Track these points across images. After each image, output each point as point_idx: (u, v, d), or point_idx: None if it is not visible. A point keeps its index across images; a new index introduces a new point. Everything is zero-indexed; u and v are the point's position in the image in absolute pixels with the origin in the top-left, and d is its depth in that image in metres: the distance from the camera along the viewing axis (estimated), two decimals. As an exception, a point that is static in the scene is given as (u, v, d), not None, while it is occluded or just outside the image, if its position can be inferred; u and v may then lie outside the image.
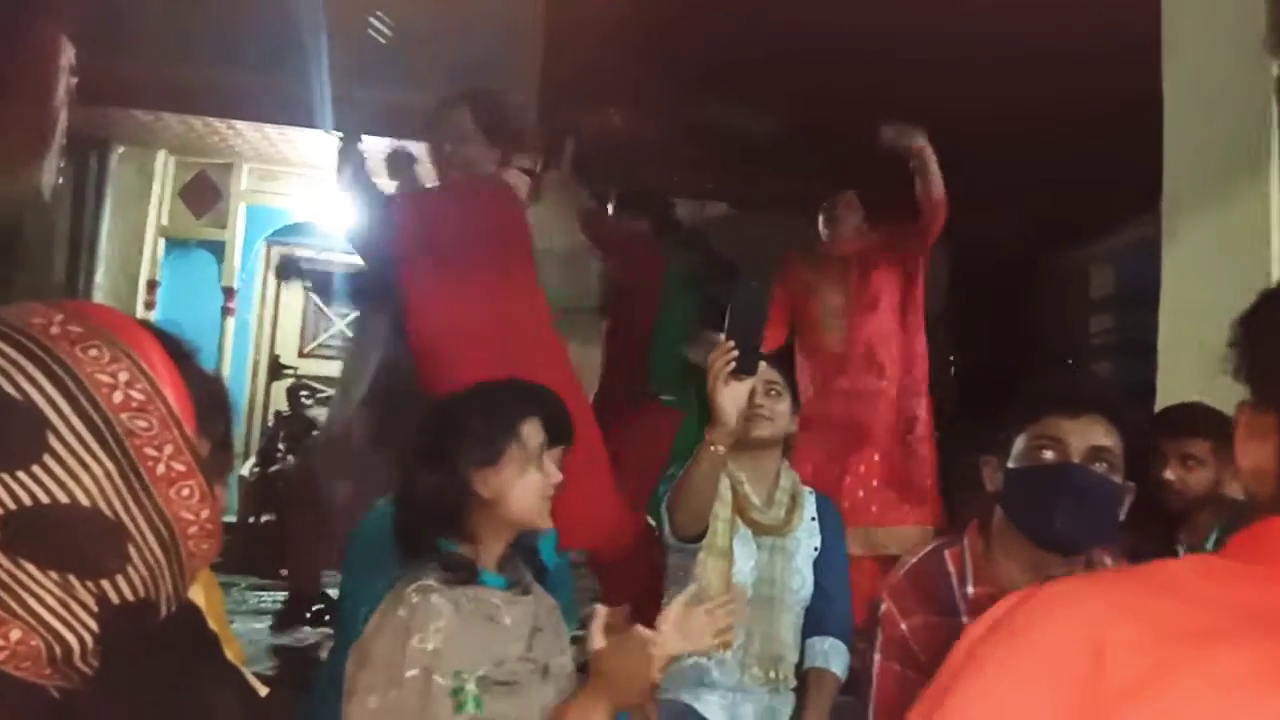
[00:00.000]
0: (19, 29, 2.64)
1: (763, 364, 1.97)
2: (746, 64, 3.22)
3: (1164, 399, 2.32)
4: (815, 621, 1.96)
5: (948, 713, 0.52)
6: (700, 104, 3.67)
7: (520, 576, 1.40)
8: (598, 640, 1.30)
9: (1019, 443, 1.38)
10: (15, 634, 0.61)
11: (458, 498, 1.33)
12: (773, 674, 1.86)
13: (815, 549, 2.00)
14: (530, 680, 1.29)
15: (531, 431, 1.37)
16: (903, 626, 1.42)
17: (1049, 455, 1.34)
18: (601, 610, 1.33)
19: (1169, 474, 1.97)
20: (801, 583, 1.93)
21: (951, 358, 3.22)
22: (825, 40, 3.01)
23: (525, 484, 1.35)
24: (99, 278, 5.06)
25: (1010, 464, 1.39)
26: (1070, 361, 4.62)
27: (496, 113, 2.50)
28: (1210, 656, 0.47)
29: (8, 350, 0.62)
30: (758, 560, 1.91)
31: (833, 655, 1.92)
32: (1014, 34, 2.86)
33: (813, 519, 2.01)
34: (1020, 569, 1.38)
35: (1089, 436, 1.34)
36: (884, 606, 1.45)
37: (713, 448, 1.65)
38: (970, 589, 1.42)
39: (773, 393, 1.97)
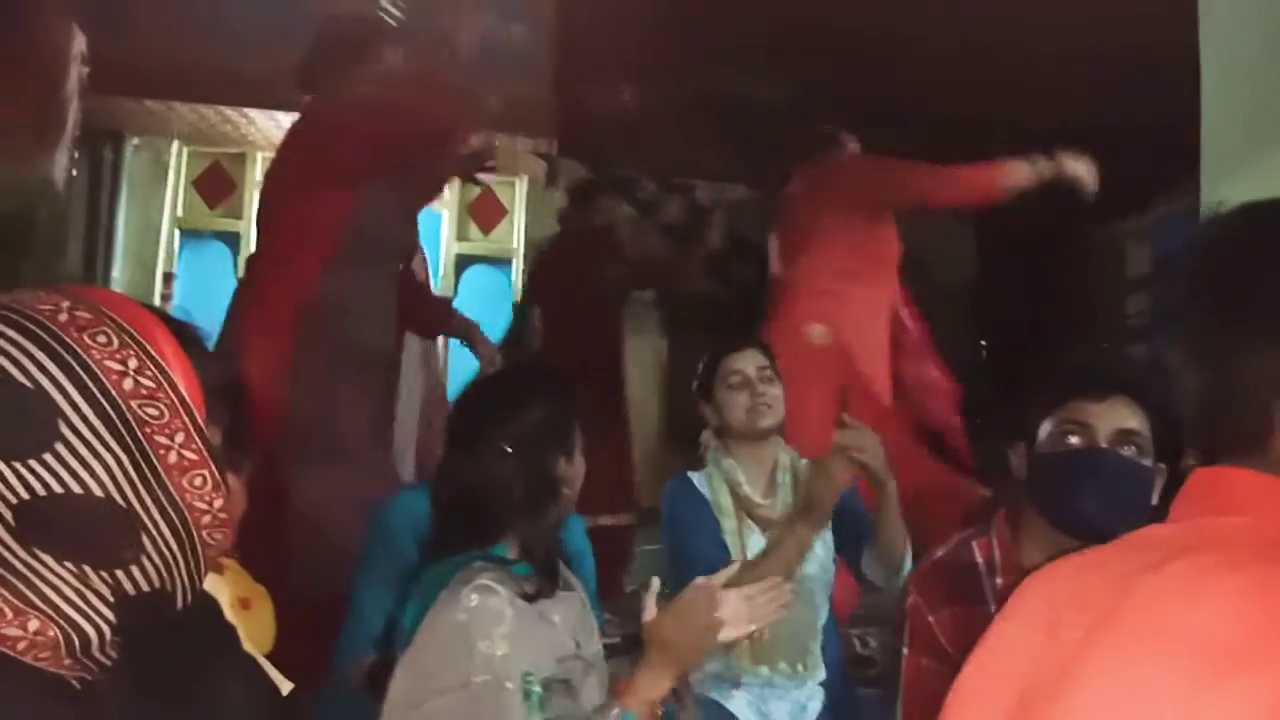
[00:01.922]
0: (28, 16, 2.64)
1: (752, 350, 1.98)
2: (766, 38, 3.18)
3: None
4: (852, 539, 1.90)
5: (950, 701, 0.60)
6: (717, 79, 3.64)
7: (562, 570, 1.37)
8: (651, 611, 1.27)
9: (1044, 428, 1.35)
10: (34, 624, 0.61)
11: (549, 490, 1.31)
12: (800, 666, 1.84)
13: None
14: (579, 678, 1.26)
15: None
16: (930, 619, 1.40)
17: (1075, 440, 1.32)
18: (657, 582, 1.31)
19: None
20: (817, 564, 1.89)
21: (983, 341, 3.17)
22: (848, 13, 2.97)
23: (579, 474, 1.37)
24: (115, 270, 5.09)
25: (1038, 450, 1.36)
26: (1105, 344, 4.56)
27: None
28: (1161, 570, 0.52)
29: (17, 337, 0.61)
30: None
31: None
32: (1047, 4, 2.81)
33: None
34: (1047, 557, 1.34)
35: (1115, 419, 1.31)
36: (911, 599, 1.43)
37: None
38: (999, 579, 1.39)
39: (766, 378, 1.95)
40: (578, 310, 3.53)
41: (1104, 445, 1.30)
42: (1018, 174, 2.77)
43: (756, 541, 1.87)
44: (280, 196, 2.45)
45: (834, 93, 3.20)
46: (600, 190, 3.76)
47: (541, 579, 1.26)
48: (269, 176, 2.60)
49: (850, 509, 1.98)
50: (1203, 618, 0.49)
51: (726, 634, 1.26)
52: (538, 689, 1.18)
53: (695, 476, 1.97)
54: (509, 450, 1.30)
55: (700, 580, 1.27)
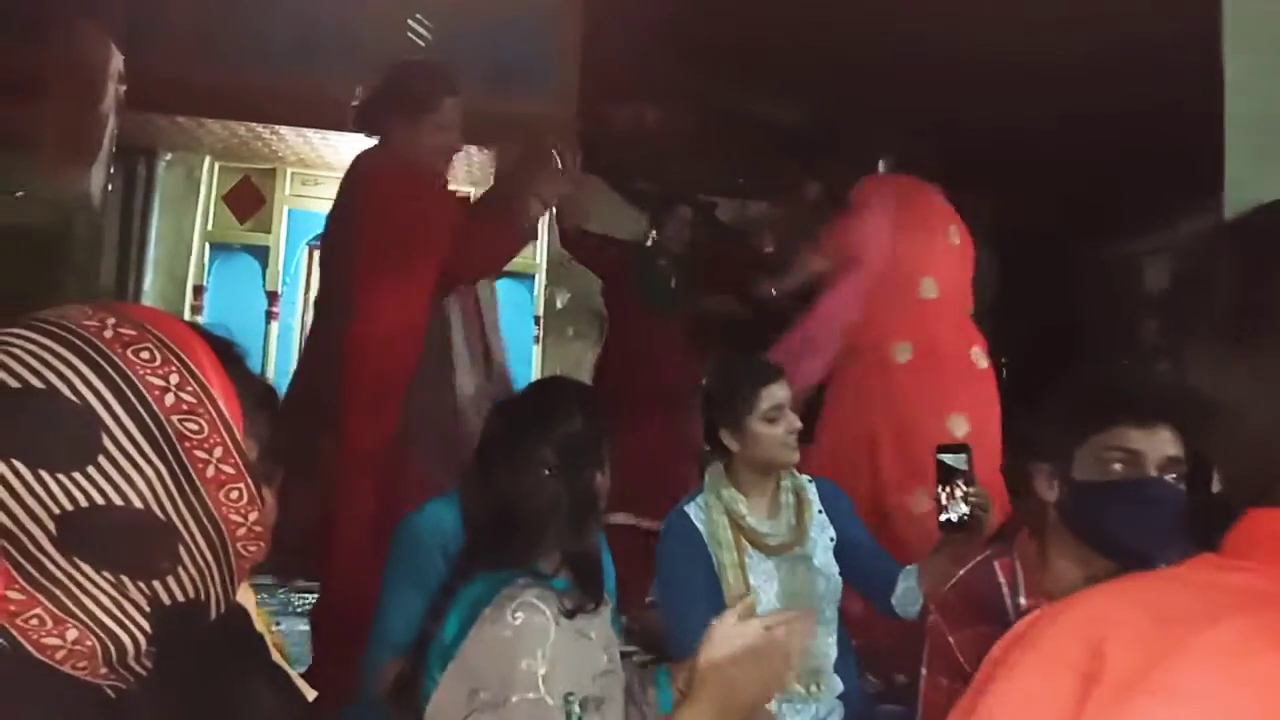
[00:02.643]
0: (68, 36, 2.70)
1: (784, 378, 1.89)
2: (786, 56, 3.19)
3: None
4: (880, 575, 1.87)
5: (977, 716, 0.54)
6: (740, 99, 3.65)
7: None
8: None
9: (1084, 452, 1.31)
10: (72, 634, 0.62)
11: (591, 505, 1.33)
12: (813, 688, 1.81)
13: (831, 539, 1.93)
14: (614, 693, 1.26)
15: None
16: (950, 639, 1.38)
17: (1119, 467, 1.28)
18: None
19: None
20: (826, 583, 1.87)
21: (1003, 359, 3.13)
22: (865, 30, 2.97)
23: (608, 487, 1.38)
24: (147, 283, 5.16)
25: (1077, 476, 1.32)
26: (1125, 362, 4.49)
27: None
28: (1206, 634, 0.47)
29: (62, 352, 0.62)
30: (780, 581, 1.83)
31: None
32: (1065, 13, 2.79)
33: (820, 511, 1.94)
34: (1081, 581, 1.32)
35: (1163, 447, 1.28)
36: (931, 618, 1.41)
37: None
38: (1023, 600, 1.37)
39: (790, 413, 1.89)
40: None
41: (1154, 474, 1.27)
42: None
43: (763, 573, 1.82)
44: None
45: (857, 111, 3.21)
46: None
47: (584, 594, 1.26)
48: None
49: (867, 546, 1.97)
50: (1246, 696, 0.45)
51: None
52: (578, 710, 1.18)
53: (691, 510, 1.88)
54: (553, 467, 1.30)
55: (769, 619, 1.16)
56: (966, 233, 2.96)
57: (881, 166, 3.05)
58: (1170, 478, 1.28)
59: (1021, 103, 2.75)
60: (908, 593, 1.90)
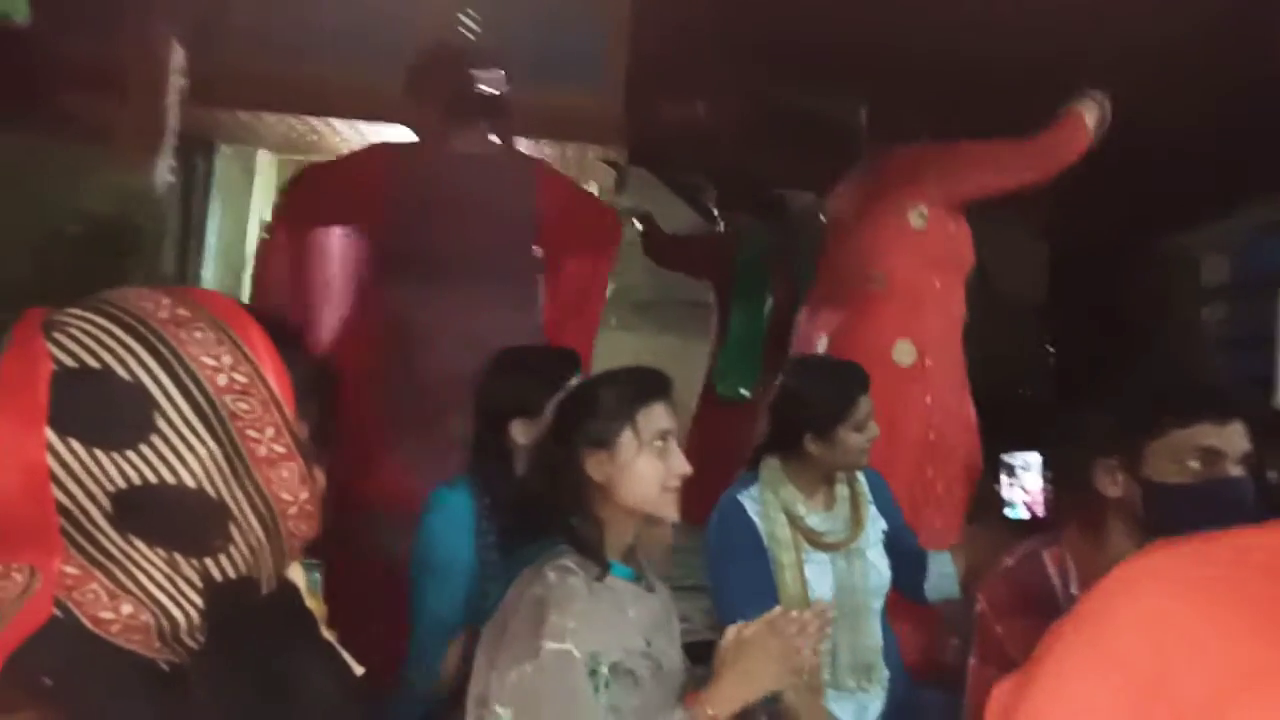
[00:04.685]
0: (134, 32, 2.78)
1: (868, 393, 1.84)
2: (833, 50, 3.15)
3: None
4: (914, 560, 1.91)
5: (1025, 707, 0.49)
6: (790, 90, 3.61)
7: (643, 570, 1.37)
8: (732, 634, 1.28)
9: (1159, 450, 1.29)
10: (127, 609, 0.64)
11: (572, 480, 1.30)
12: (865, 683, 1.79)
13: (884, 532, 1.91)
14: (646, 675, 1.26)
15: (651, 417, 1.31)
16: (998, 629, 1.37)
17: (1198, 466, 1.26)
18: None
19: None
20: (879, 576, 1.86)
21: (1050, 349, 3.06)
22: (914, 19, 2.92)
23: (639, 472, 1.29)
24: (206, 272, 5.29)
25: (1154, 475, 1.29)
26: (1186, 356, 4.37)
27: None
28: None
29: (118, 333, 0.64)
30: (835, 575, 1.81)
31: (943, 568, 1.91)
32: (1122, 9, 2.71)
33: (870, 503, 1.92)
34: None
35: (1240, 444, 1.27)
36: (979, 607, 1.40)
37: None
38: (1075, 590, 1.36)
39: (873, 420, 1.85)
40: None
41: (1235, 471, 1.26)
42: (1090, 115, 2.51)
43: (818, 567, 1.80)
44: None
45: (901, 105, 3.15)
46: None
47: (594, 554, 1.29)
48: None
49: (905, 533, 1.97)
50: None
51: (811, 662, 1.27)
52: (604, 670, 1.20)
53: (746, 501, 1.84)
54: (542, 439, 1.33)
55: (792, 614, 1.27)
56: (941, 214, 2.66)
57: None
58: (1244, 472, 1.26)
59: (1068, 91, 2.68)
60: (943, 579, 1.91)
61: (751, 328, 3.69)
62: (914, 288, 2.51)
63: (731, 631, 1.29)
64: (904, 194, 2.54)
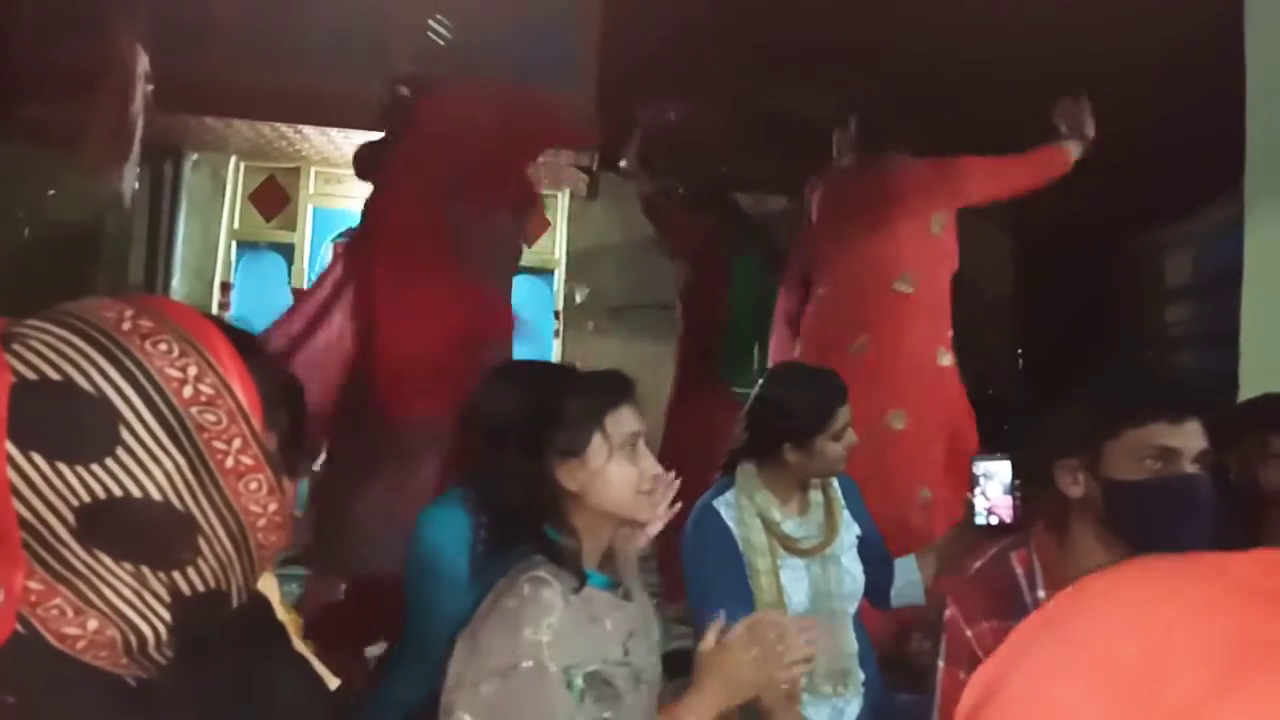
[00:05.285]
0: (99, 37, 2.75)
1: (847, 403, 1.85)
2: (809, 49, 3.17)
3: (1247, 390, 2.22)
4: (884, 567, 1.94)
5: (994, 705, 0.48)
6: (762, 92, 3.63)
7: (622, 578, 1.36)
8: (711, 640, 1.27)
9: (1115, 449, 1.30)
10: (93, 624, 0.63)
11: (544, 490, 1.28)
12: (840, 688, 1.80)
13: (857, 537, 1.92)
14: (625, 686, 1.25)
15: (619, 421, 1.29)
16: (968, 633, 1.37)
17: (1155, 464, 1.27)
18: (723, 614, 1.31)
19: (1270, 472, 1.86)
20: (852, 581, 1.87)
21: (1019, 350, 3.10)
22: (892, 18, 2.94)
23: (612, 477, 1.28)
24: (175, 281, 5.24)
25: (1112, 474, 1.30)
26: (1149, 354, 4.43)
27: None
28: None
29: (80, 344, 0.63)
30: (809, 581, 1.82)
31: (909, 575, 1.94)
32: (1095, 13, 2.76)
33: (844, 508, 1.93)
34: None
35: (1196, 442, 1.27)
36: (949, 612, 1.40)
37: None
38: (1041, 593, 1.36)
39: (851, 429, 1.86)
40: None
41: (1191, 471, 1.26)
42: (1074, 150, 2.71)
43: (793, 573, 1.80)
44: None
45: (879, 107, 3.18)
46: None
47: (572, 565, 1.27)
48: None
49: (876, 539, 1.99)
50: None
51: (791, 673, 1.28)
52: (580, 682, 1.19)
53: (721, 507, 1.84)
54: (507, 449, 1.32)
55: (773, 615, 1.28)
56: (952, 223, 2.83)
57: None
58: (1203, 470, 1.27)
59: (1045, 95, 2.72)
60: (909, 585, 1.94)
61: (747, 327, 3.73)
62: (937, 291, 2.64)
63: (711, 637, 1.29)
64: (923, 202, 2.65)
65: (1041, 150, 2.69)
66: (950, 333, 2.67)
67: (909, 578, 1.95)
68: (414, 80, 2.59)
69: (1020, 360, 3.02)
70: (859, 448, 1.87)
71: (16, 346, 0.62)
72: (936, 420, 2.36)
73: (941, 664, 1.39)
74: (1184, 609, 0.45)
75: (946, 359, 2.57)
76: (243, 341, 0.69)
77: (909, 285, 2.61)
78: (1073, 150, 2.70)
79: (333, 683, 0.85)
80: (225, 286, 5.41)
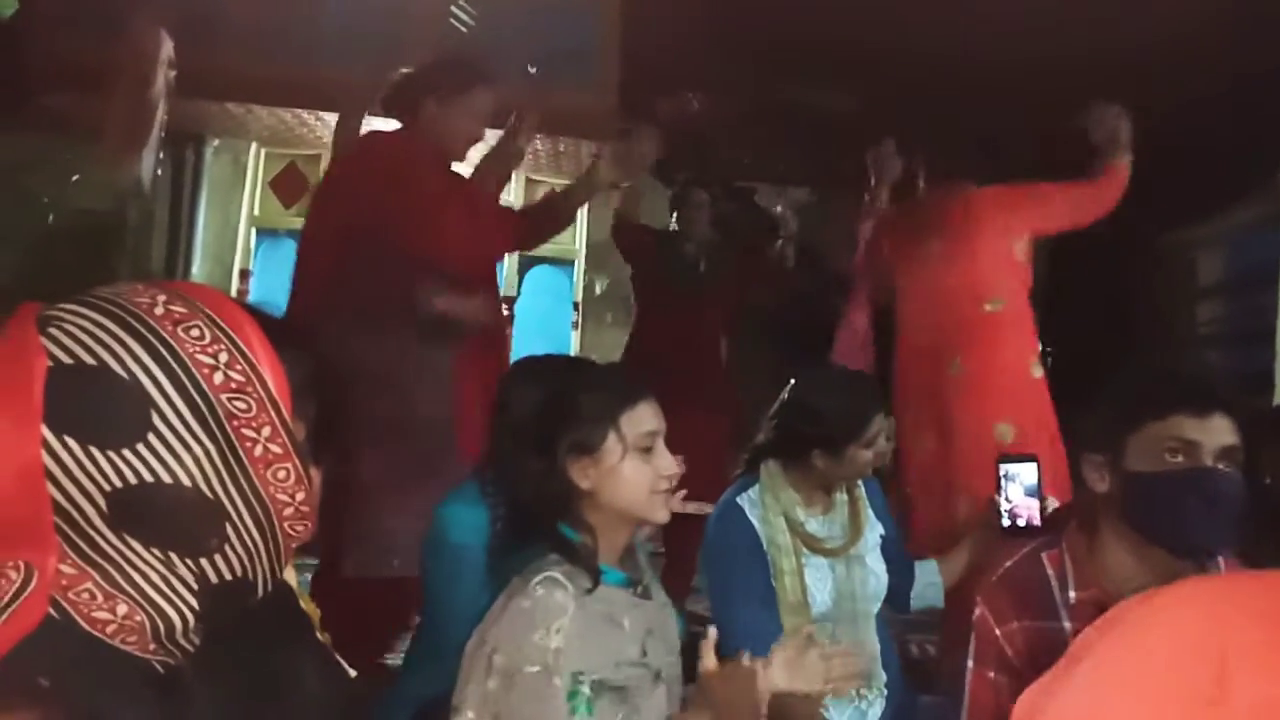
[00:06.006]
0: (122, 23, 2.76)
1: (882, 412, 1.83)
2: (830, 48, 3.15)
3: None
4: (905, 570, 1.94)
5: (1056, 706, 0.49)
6: (781, 85, 3.60)
7: (640, 575, 1.34)
8: (709, 661, 1.26)
9: (1138, 443, 1.29)
10: (122, 609, 0.63)
11: (557, 487, 1.26)
12: (863, 689, 1.77)
13: (881, 537, 1.91)
14: (642, 685, 1.25)
15: (636, 420, 1.27)
16: (998, 632, 1.36)
17: (1177, 458, 1.26)
18: (713, 632, 1.29)
19: None
20: (876, 582, 1.85)
21: (1048, 349, 3.08)
22: (908, 12, 2.92)
23: (625, 476, 1.26)
24: (195, 267, 5.26)
25: (1132, 467, 1.29)
26: (1180, 351, 4.38)
27: None
28: None
29: (114, 329, 0.63)
30: (834, 582, 1.80)
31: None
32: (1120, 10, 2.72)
33: (868, 508, 1.91)
34: (1137, 573, 1.30)
35: (1220, 437, 1.25)
36: (978, 612, 1.39)
37: None
38: (1072, 593, 1.35)
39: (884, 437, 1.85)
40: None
41: (1211, 464, 1.25)
42: (1129, 164, 2.72)
43: (817, 573, 1.79)
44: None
45: (899, 103, 3.16)
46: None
47: (587, 563, 1.26)
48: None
49: (897, 541, 1.98)
50: None
51: (799, 688, 1.26)
52: (586, 690, 1.18)
53: (744, 504, 1.82)
54: (523, 447, 1.31)
55: (751, 663, 1.25)
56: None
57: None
58: (1230, 467, 1.25)
59: (1072, 92, 2.69)
60: (929, 588, 1.94)
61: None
62: (1022, 312, 2.74)
63: (710, 658, 1.26)
64: (1006, 228, 2.73)
65: (1106, 175, 2.71)
66: (1039, 346, 2.77)
67: (930, 579, 1.93)
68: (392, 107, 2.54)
69: (1049, 359, 3.00)
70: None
71: (53, 330, 0.62)
72: (1039, 428, 2.46)
73: (971, 664, 1.38)
74: (1253, 614, 0.45)
75: (1039, 371, 2.66)
76: (274, 329, 0.69)
77: (998, 306, 2.71)
78: (1128, 165, 2.72)
79: (352, 673, 0.85)
80: (245, 273, 5.44)
